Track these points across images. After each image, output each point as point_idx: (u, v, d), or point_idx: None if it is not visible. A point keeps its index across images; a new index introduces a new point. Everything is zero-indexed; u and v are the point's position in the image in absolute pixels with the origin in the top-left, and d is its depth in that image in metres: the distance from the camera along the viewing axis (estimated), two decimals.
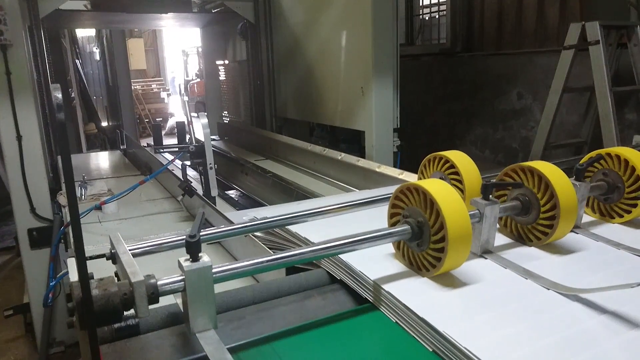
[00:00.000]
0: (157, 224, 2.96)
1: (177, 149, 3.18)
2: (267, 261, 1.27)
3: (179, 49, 18.97)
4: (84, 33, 10.80)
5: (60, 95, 0.85)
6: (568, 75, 4.43)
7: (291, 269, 1.64)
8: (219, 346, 1.10)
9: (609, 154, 1.84)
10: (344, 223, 1.89)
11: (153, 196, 3.51)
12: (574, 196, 1.56)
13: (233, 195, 4.16)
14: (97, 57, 10.15)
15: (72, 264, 1.18)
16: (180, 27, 8.38)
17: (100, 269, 1.35)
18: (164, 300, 1.26)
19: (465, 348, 1.08)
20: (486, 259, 1.53)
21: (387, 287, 1.35)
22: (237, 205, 3.71)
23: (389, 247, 1.56)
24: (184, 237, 1.15)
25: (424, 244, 1.41)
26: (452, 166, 1.94)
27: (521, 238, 1.67)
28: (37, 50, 4.05)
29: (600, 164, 1.87)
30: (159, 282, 1.11)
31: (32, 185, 3.24)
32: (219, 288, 1.34)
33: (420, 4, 6.95)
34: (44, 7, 4.21)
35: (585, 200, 1.79)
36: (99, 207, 2.97)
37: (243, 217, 2.20)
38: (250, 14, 5.33)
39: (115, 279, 1.19)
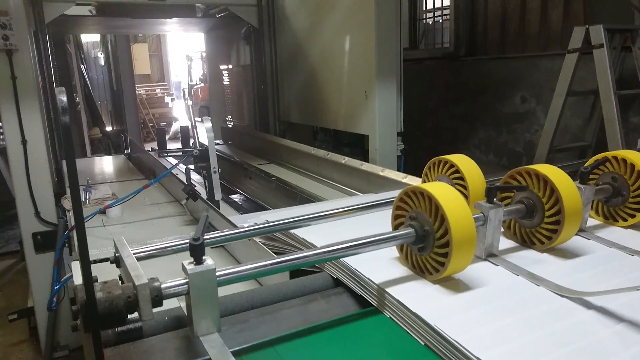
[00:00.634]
0: (161, 227, 2.96)
1: (181, 153, 3.19)
2: (271, 264, 1.27)
3: (183, 54, 19.04)
4: (89, 38, 10.86)
5: (65, 99, 0.86)
6: (572, 79, 4.42)
7: (295, 273, 1.63)
8: (223, 349, 1.10)
9: (614, 158, 1.84)
10: (348, 227, 1.89)
11: (157, 200, 3.52)
12: (578, 199, 1.56)
13: (237, 199, 4.16)
14: (102, 62, 10.21)
15: (76, 267, 1.18)
16: (184, 32, 8.41)
17: (104, 273, 1.36)
18: (168, 304, 1.26)
19: (471, 352, 1.07)
20: (490, 262, 1.53)
21: (391, 290, 1.35)
22: (241, 209, 3.72)
23: (392, 251, 1.56)
24: (188, 240, 1.15)
25: (428, 247, 1.41)
26: (456, 170, 1.94)
27: (526, 241, 1.66)
28: (43, 55, 4.07)
29: (605, 166, 1.86)
30: (163, 285, 1.11)
31: (36, 189, 3.25)
32: (222, 291, 1.34)
33: (424, 8, 6.96)
34: (49, 12, 4.24)
35: (590, 204, 1.79)
36: (103, 211, 2.98)
37: (247, 221, 2.20)
38: (254, 19, 5.34)
39: (120, 282, 1.20)
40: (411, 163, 4.11)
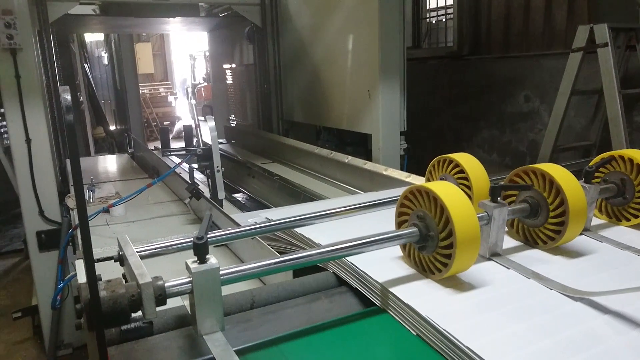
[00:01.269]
0: (164, 226, 2.96)
1: (184, 152, 3.19)
2: (274, 263, 1.27)
3: (187, 53, 19.05)
4: (93, 37, 10.89)
5: (69, 97, 0.86)
6: (576, 78, 4.41)
7: (298, 272, 1.63)
8: (226, 348, 1.10)
9: (619, 157, 1.83)
10: (351, 225, 1.89)
11: (161, 199, 3.52)
12: (583, 198, 1.55)
13: (240, 198, 4.16)
14: (106, 61, 10.23)
15: (80, 266, 1.19)
16: (187, 31, 8.42)
17: (108, 271, 1.36)
18: (173, 302, 1.26)
19: (474, 352, 1.07)
20: (494, 261, 1.52)
21: (394, 290, 1.34)
22: (244, 208, 3.72)
23: (396, 250, 1.55)
24: (192, 239, 1.15)
25: (431, 246, 1.40)
26: (460, 169, 1.94)
27: (530, 241, 1.66)
28: (47, 55, 4.08)
29: (611, 166, 1.85)
30: (167, 284, 1.11)
31: (40, 188, 3.25)
32: (226, 290, 1.34)
33: (427, 7, 6.95)
34: (53, 11, 4.25)
35: (595, 203, 1.78)
36: (106, 210, 2.98)
37: (249, 219, 2.20)
38: (257, 18, 5.35)
39: (123, 280, 1.20)
40: (414, 162, 4.11)
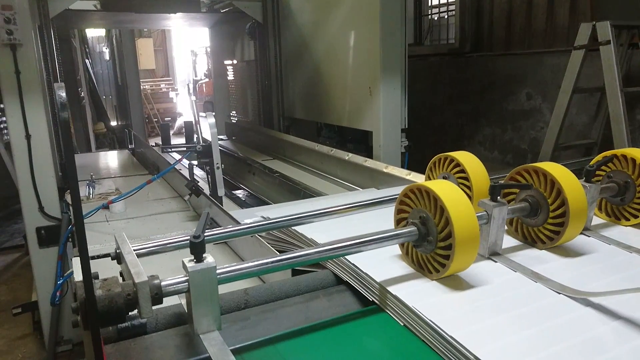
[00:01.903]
0: (164, 223, 2.96)
1: (184, 149, 3.18)
2: (272, 262, 1.26)
3: (188, 49, 19.02)
4: (94, 33, 10.87)
5: (64, 94, 0.85)
6: (578, 76, 4.39)
7: (297, 270, 1.63)
8: (223, 348, 1.10)
9: (620, 155, 1.82)
10: (351, 223, 1.89)
11: (160, 195, 3.52)
12: (583, 198, 1.54)
13: (240, 195, 4.15)
14: (107, 57, 10.22)
15: (77, 263, 1.18)
16: (189, 27, 8.40)
17: (108, 268, 1.36)
18: (171, 300, 1.26)
19: (471, 352, 1.06)
20: (494, 261, 1.52)
21: (392, 289, 1.34)
22: (244, 205, 3.71)
23: (395, 249, 1.55)
24: (189, 237, 1.14)
25: (430, 245, 1.39)
26: (460, 167, 1.93)
27: (530, 240, 1.65)
28: (47, 50, 4.07)
29: (613, 164, 1.84)
30: (163, 283, 1.11)
31: (40, 184, 3.24)
32: (224, 288, 1.34)
33: (429, 4, 6.92)
34: (53, 7, 4.23)
35: (596, 202, 1.77)
36: (106, 207, 2.98)
37: (248, 216, 2.20)
38: (259, 14, 5.33)
39: (120, 278, 1.19)
40: (416, 159, 4.10)
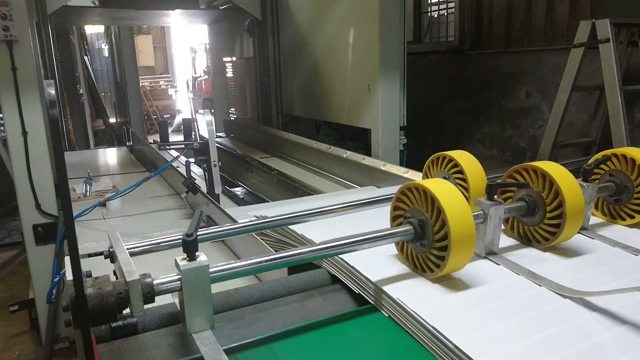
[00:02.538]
0: (161, 220, 2.95)
1: (182, 146, 3.17)
2: (266, 261, 1.25)
3: (187, 46, 19.00)
4: (93, 29, 10.85)
5: (53, 92, 0.84)
6: (577, 74, 4.38)
7: (293, 268, 1.62)
8: (215, 347, 1.09)
9: (617, 155, 1.81)
10: (347, 222, 1.87)
11: (157, 193, 3.51)
12: (580, 197, 1.53)
13: (238, 193, 4.15)
14: (106, 54, 10.20)
15: (68, 261, 1.17)
16: (187, 23, 8.38)
17: (104, 267, 1.34)
18: (166, 299, 1.25)
19: (467, 355, 1.05)
20: (490, 260, 1.51)
21: (388, 288, 1.33)
22: (241, 203, 3.70)
23: (391, 248, 1.54)
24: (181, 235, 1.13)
25: (426, 245, 1.38)
26: (457, 166, 1.92)
27: (527, 239, 1.64)
28: (45, 46, 4.05)
29: (612, 163, 1.83)
30: (155, 282, 1.10)
31: (37, 181, 3.22)
32: (220, 287, 1.33)
33: (429, 2, 6.90)
34: (51, 3, 4.22)
35: (593, 202, 1.76)
36: (103, 204, 2.97)
37: (245, 214, 2.19)
38: (257, 11, 5.31)
39: (114, 277, 1.18)
40: (415, 157, 4.09)
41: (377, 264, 1.48)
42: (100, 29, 10.51)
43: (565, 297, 1.28)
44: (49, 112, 0.82)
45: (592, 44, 4.24)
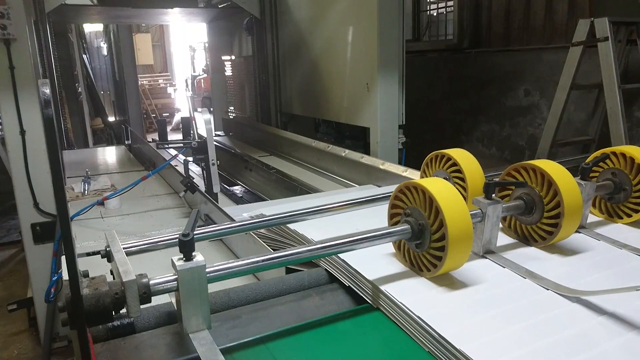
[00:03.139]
0: (159, 219, 2.94)
1: (180, 145, 3.17)
2: (263, 261, 1.25)
3: (186, 44, 18.96)
4: (92, 28, 10.83)
5: (48, 91, 0.83)
6: (576, 72, 4.38)
7: (293, 268, 1.62)
8: (212, 347, 1.09)
9: (616, 153, 1.80)
10: (345, 221, 1.87)
11: (156, 192, 3.51)
12: (578, 196, 1.53)
13: (237, 191, 4.14)
14: (105, 52, 10.17)
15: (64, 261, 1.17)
16: (186, 22, 8.35)
17: (101, 266, 1.34)
18: (162, 298, 1.24)
19: (462, 352, 1.05)
20: (488, 259, 1.51)
21: (385, 287, 1.33)
22: (240, 201, 3.70)
23: (389, 247, 1.53)
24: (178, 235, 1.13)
25: (424, 244, 1.38)
26: (455, 164, 1.91)
27: (525, 238, 1.64)
28: (43, 45, 4.04)
29: (607, 163, 1.83)
30: (152, 282, 1.09)
31: (35, 180, 3.22)
32: (217, 286, 1.32)
33: (428, 0, 6.90)
34: (49, 1, 4.20)
35: (591, 200, 1.76)
36: (101, 203, 2.97)
37: (243, 213, 2.19)
38: (256, 9, 5.30)
39: (111, 277, 1.18)
40: (413, 156, 4.08)
41: (375, 262, 1.48)
42: (99, 27, 10.49)
43: (563, 296, 1.28)
44: (44, 111, 0.82)
45: (591, 42, 4.24)
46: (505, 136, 5.75)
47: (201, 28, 11.22)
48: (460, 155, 1.91)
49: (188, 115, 3.49)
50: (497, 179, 1.68)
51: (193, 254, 1.11)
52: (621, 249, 1.58)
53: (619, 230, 1.75)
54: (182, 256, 1.11)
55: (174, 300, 1.23)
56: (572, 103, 4.75)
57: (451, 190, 1.36)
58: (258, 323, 1.32)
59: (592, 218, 1.83)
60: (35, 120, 3.18)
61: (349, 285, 1.45)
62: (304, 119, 5.41)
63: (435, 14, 6.84)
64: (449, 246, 1.30)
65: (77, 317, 0.96)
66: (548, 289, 1.32)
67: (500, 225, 1.58)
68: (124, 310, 1.10)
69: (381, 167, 3.19)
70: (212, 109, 4.74)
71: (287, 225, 1.82)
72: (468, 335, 1.11)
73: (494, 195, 1.51)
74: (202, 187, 2.99)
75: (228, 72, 6.86)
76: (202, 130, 3.05)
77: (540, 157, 4.56)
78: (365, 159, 3.39)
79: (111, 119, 9.18)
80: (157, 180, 3.75)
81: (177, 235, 1.41)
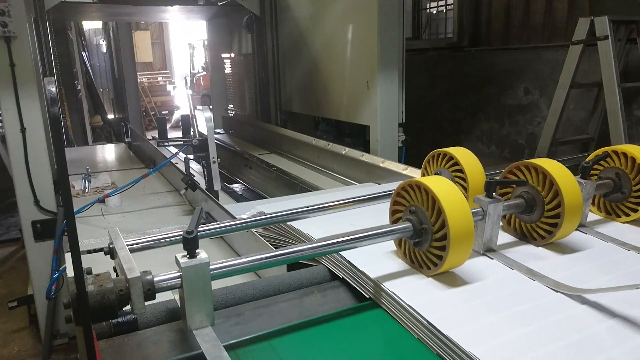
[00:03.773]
0: (160, 217, 2.95)
1: (180, 143, 3.17)
2: (266, 258, 1.25)
3: (185, 42, 18.93)
4: (91, 25, 10.80)
5: (54, 89, 0.84)
6: (576, 71, 4.38)
7: (293, 264, 1.62)
8: (216, 344, 1.09)
9: (616, 152, 1.81)
10: (347, 218, 1.88)
11: (156, 189, 3.51)
12: (579, 194, 1.54)
13: (237, 189, 4.15)
14: (104, 50, 10.15)
15: (69, 258, 1.17)
16: (186, 19, 8.35)
17: (103, 262, 1.35)
18: (166, 295, 1.25)
19: (465, 349, 1.06)
20: (489, 257, 1.51)
21: (387, 285, 1.33)
22: (240, 199, 3.71)
23: (390, 244, 1.54)
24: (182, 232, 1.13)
25: (425, 242, 1.39)
26: (456, 163, 1.92)
27: (525, 236, 1.65)
28: (43, 42, 4.04)
29: (607, 161, 1.84)
30: (156, 279, 1.10)
31: (35, 177, 3.22)
32: (219, 283, 1.33)
33: None
34: None
35: (591, 199, 1.77)
36: (102, 200, 2.97)
37: (244, 210, 2.19)
38: (256, 7, 5.30)
39: (114, 274, 1.19)
40: (413, 154, 4.09)
41: (376, 260, 1.49)
42: (98, 24, 10.48)
43: (563, 294, 1.29)
44: (49, 109, 0.82)
45: (591, 41, 4.24)
46: (504, 134, 5.76)
47: (200, 25, 11.22)
48: (461, 154, 1.92)
49: (188, 113, 3.49)
50: (497, 178, 1.69)
51: (197, 251, 1.12)
52: (621, 247, 1.59)
53: (618, 228, 1.76)
54: (185, 253, 1.11)
55: (177, 297, 1.24)
56: (572, 101, 4.76)
57: (453, 189, 1.37)
58: (260, 320, 1.32)
59: (592, 217, 1.84)
60: (35, 117, 3.18)
61: (351, 283, 1.46)
62: (304, 117, 5.41)
63: (435, 12, 6.84)
64: (450, 244, 1.30)
65: (83, 314, 0.97)
66: (548, 287, 1.32)
67: (501, 224, 1.59)
68: (126, 307, 1.11)
69: (381, 165, 3.20)
70: (211, 107, 4.71)
71: (288, 223, 1.83)
72: (470, 333, 1.12)
73: (494, 193, 1.52)
74: (203, 185, 3.00)
75: (228, 69, 6.86)
76: (202, 128, 3.06)
77: (539, 155, 4.57)
78: (366, 157, 3.40)
79: (110, 116, 9.17)
80: (158, 178, 3.76)
81: (179, 233, 1.43)
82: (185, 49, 19.11)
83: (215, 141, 2.98)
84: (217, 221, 2.29)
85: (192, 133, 3.28)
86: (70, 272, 1.05)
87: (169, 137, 4.48)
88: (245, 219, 1.72)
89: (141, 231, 2.69)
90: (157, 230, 2.68)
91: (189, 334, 1.16)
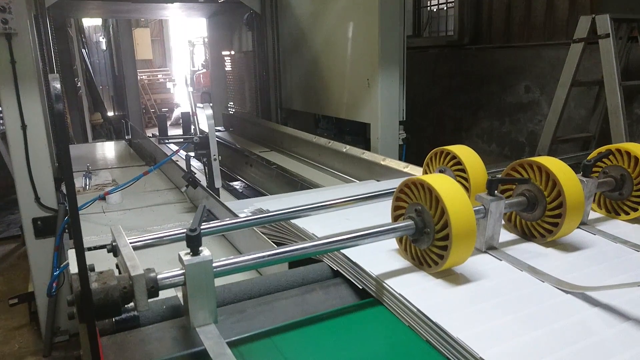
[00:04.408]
0: (161, 214, 2.95)
1: (181, 140, 3.17)
2: (268, 256, 1.26)
3: (185, 39, 18.92)
4: (91, 22, 10.79)
5: (59, 86, 0.84)
6: (577, 69, 4.38)
7: (294, 262, 1.62)
8: (219, 341, 1.09)
9: (617, 150, 1.81)
10: (349, 217, 1.88)
11: (157, 187, 3.51)
12: (580, 192, 1.54)
13: (237, 187, 4.15)
14: (104, 47, 10.15)
15: (72, 255, 1.17)
16: (186, 17, 8.34)
17: (104, 260, 1.35)
18: (168, 292, 1.25)
19: (468, 347, 1.06)
20: (491, 255, 1.52)
21: (389, 282, 1.34)
22: (241, 196, 3.71)
23: (392, 242, 1.54)
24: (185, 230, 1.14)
25: (427, 239, 1.39)
26: (458, 161, 1.92)
27: (527, 234, 1.65)
28: (43, 39, 4.03)
29: (609, 159, 1.84)
30: (159, 276, 1.10)
31: (36, 174, 3.23)
32: (221, 280, 1.33)
33: None
34: None
35: (593, 197, 1.77)
36: (102, 198, 2.98)
37: (245, 207, 2.19)
38: (257, 4, 5.30)
39: (117, 271, 1.19)
40: (414, 152, 4.09)
41: (379, 258, 1.49)
42: (98, 22, 10.46)
43: (565, 292, 1.29)
44: (54, 106, 0.82)
45: (592, 39, 4.24)
46: (505, 132, 5.76)
47: (200, 23, 11.19)
48: (463, 152, 1.92)
49: (188, 111, 3.49)
50: (499, 176, 1.69)
51: (200, 248, 1.12)
52: (622, 246, 1.59)
53: (620, 226, 1.76)
54: (189, 251, 1.12)
55: (179, 295, 1.24)
56: (573, 100, 4.75)
57: (455, 187, 1.37)
58: (263, 317, 1.33)
59: (593, 215, 1.85)
60: (36, 114, 3.18)
61: (353, 281, 1.46)
62: (304, 115, 5.41)
63: (435, 10, 6.83)
64: (452, 242, 1.31)
65: (87, 311, 0.97)
66: (551, 285, 1.33)
67: (503, 222, 1.59)
68: (130, 305, 1.11)
69: (382, 163, 3.20)
70: (211, 104, 4.70)
71: (290, 221, 1.83)
72: (471, 330, 1.12)
73: (496, 191, 1.52)
74: (204, 182, 3.00)
75: (228, 67, 6.85)
76: (202, 126, 3.05)
77: (540, 153, 4.57)
78: (367, 155, 3.40)
79: (110, 113, 9.17)
80: (159, 175, 3.76)
81: (182, 230, 1.43)
82: (185, 47, 19.10)
83: (216, 139, 2.98)
84: (218, 219, 2.29)
85: (192, 130, 3.28)
86: (73, 269, 1.05)
87: (169, 134, 4.48)
88: (247, 216, 1.72)
89: (142, 228, 2.69)
90: (158, 228, 2.69)
91: (191, 331, 1.17)
